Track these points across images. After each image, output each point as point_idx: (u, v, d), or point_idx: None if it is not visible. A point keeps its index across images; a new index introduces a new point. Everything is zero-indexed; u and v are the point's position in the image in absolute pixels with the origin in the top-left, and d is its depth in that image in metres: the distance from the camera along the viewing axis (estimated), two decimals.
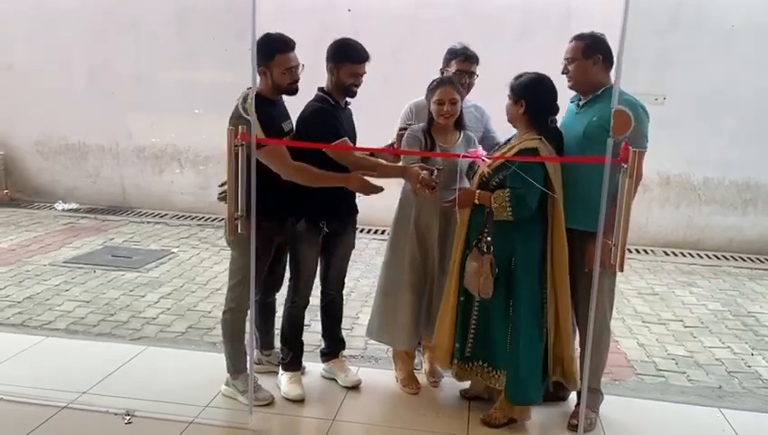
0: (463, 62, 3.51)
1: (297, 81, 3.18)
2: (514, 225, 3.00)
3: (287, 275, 3.54)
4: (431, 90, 3.30)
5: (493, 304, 3.09)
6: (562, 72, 3.14)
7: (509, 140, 3.20)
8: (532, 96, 3.04)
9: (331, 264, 3.51)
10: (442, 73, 3.54)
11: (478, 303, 3.12)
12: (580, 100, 3.19)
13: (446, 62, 3.57)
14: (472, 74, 3.52)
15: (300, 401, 3.38)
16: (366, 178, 3.19)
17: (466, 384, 3.47)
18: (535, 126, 3.05)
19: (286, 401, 3.38)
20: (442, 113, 3.26)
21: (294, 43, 3.16)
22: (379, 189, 3.18)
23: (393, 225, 3.47)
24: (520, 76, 3.10)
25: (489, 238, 3.04)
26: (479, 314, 3.15)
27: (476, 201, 3.06)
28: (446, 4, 6.88)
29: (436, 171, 3.15)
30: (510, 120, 3.14)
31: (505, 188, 2.99)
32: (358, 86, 3.29)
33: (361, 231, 5.89)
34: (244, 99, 2.92)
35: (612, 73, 3.08)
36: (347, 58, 3.23)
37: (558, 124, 3.19)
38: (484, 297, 3.05)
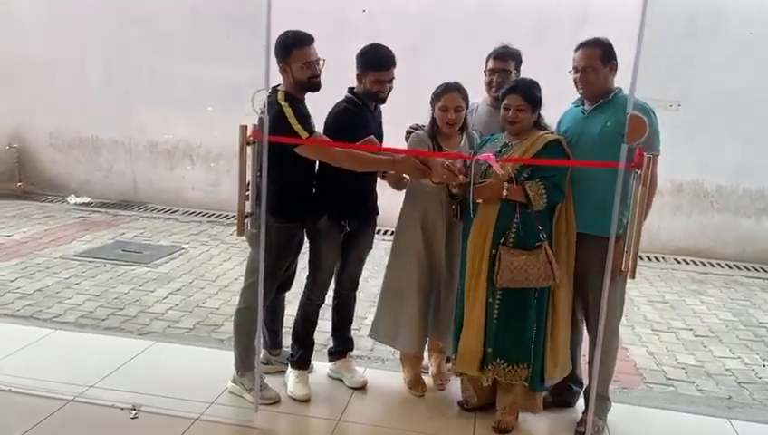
0: (495, 60, 3.43)
1: (317, 75, 3.15)
2: (539, 217, 3.01)
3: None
4: (436, 95, 3.24)
5: (517, 299, 3.05)
6: (577, 80, 3.07)
7: (491, 141, 3.19)
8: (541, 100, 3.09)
9: (348, 263, 3.50)
10: (485, 74, 3.48)
11: (499, 301, 3.07)
12: (583, 103, 3.17)
13: (486, 62, 3.49)
14: (506, 73, 3.39)
15: (305, 400, 3.37)
16: (417, 160, 3.10)
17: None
18: (540, 125, 3.12)
19: (292, 400, 3.38)
20: (446, 121, 3.21)
21: (312, 38, 3.14)
22: (427, 173, 3.09)
23: (398, 225, 3.44)
24: (518, 84, 3.09)
25: (540, 227, 3.00)
26: (499, 313, 3.09)
27: (505, 195, 2.99)
28: (462, 4, 6.86)
29: (462, 166, 3.09)
30: (519, 130, 3.06)
31: (534, 180, 2.97)
32: (384, 92, 3.25)
33: None
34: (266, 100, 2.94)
35: (617, 78, 3.07)
36: (370, 65, 3.21)
37: (562, 129, 3.17)
38: (558, 281, 3.02)
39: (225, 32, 6.97)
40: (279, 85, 3.17)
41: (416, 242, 3.35)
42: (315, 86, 3.17)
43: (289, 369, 3.50)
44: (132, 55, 7.58)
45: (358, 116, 3.26)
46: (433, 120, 3.30)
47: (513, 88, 3.07)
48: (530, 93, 3.03)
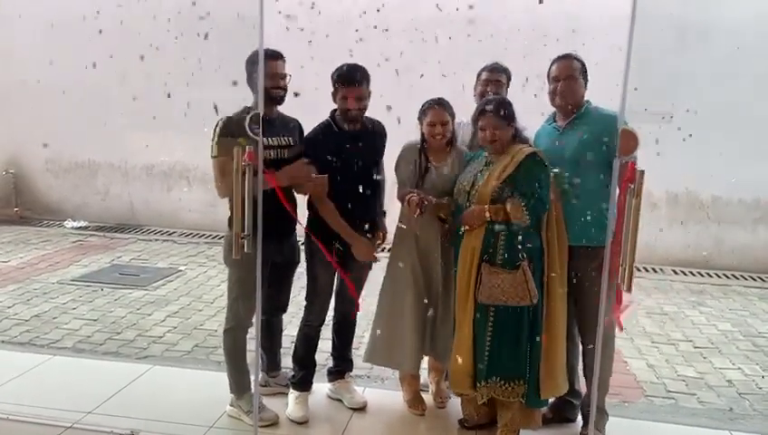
0: (490, 72, 3.54)
1: (279, 87, 3.17)
2: (524, 234, 3.01)
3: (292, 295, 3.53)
4: (423, 111, 3.32)
5: (511, 314, 3.03)
6: (557, 90, 3.10)
7: (476, 158, 3.22)
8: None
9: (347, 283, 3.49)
10: (475, 90, 3.56)
11: (493, 317, 3.06)
12: (555, 120, 3.21)
13: (477, 77, 3.58)
14: (499, 84, 3.51)
15: (303, 422, 3.35)
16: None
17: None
18: (520, 139, 3.14)
19: (291, 421, 3.36)
20: (434, 135, 3.28)
21: (279, 54, 3.17)
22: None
23: (393, 244, 3.44)
24: (490, 102, 3.12)
25: (520, 246, 3.01)
26: (493, 329, 3.07)
27: (488, 217, 3.02)
28: (454, 22, 6.91)
29: (419, 200, 3.15)
30: (500, 147, 3.09)
31: (515, 195, 2.99)
32: (353, 109, 3.23)
33: None
34: (251, 119, 2.95)
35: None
36: (337, 81, 3.24)
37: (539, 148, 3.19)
38: (534, 301, 3.00)
39: (220, 54, 7.00)
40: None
41: (411, 261, 3.34)
42: (277, 98, 3.19)
43: (290, 390, 3.48)
44: (126, 78, 7.61)
45: (324, 140, 3.27)
46: (423, 135, 3.35)
47: (484, 110, 3.12)
48: (501, 110, 3.08)
